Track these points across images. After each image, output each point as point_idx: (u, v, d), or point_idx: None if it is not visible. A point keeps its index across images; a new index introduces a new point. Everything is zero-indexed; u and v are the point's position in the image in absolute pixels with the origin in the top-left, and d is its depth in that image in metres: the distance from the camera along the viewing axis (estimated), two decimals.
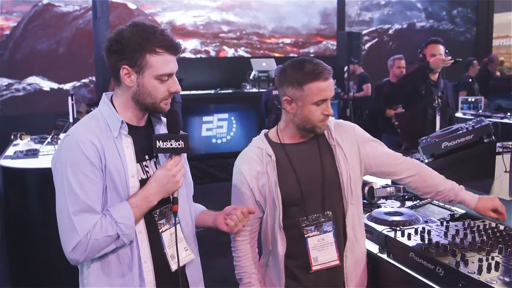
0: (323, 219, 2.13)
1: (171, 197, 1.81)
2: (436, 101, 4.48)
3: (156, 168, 1.85)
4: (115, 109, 1.79)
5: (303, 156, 2.14)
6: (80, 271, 1.82)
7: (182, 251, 1.86)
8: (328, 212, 2.13)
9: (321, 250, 2.11)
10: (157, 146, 1.77)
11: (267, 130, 2.25)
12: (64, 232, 1.68)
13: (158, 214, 1.83)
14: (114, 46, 1.73)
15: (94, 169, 1.69)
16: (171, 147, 1.78)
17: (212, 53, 9.84)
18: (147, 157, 1.85)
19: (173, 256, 1.85)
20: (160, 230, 1.84)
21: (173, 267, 1.84)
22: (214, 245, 3.32)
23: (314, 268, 2.11)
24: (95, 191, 1.70)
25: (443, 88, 4.55)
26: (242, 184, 2.14)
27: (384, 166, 2.25)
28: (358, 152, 2.18)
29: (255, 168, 2.12)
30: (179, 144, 1.78)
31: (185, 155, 1.87)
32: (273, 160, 2.11)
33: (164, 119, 1.94)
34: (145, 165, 1.83)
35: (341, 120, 2.28)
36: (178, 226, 1.86)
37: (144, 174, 1.81)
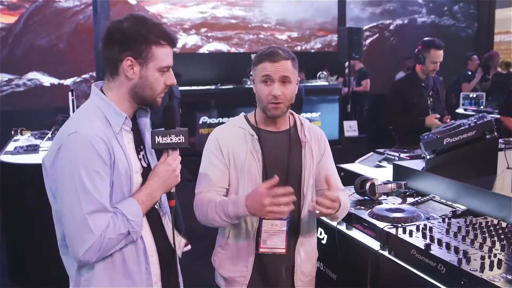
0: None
1: (170, 192, 1.80)
2: (429, 103, 4.47)
3: (146, 161, 1.84)
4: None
5: (274, 144, 2.20)
6: (76, 273, 1.72)
7: (178, 242, 1.87)
8: None
9: (272, 234, 2.15)
10: (156, 142, 1.75)
11: (245, 114, 2.31)
12: (76, 233, 1.59)
13: (158, 206, 1.85)
14: (117, 37, 1.68)
15: (104, 166, 1.63)
16: (171, 142, 1.76)
17: (213, 48, 9.82)
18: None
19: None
20: (163, 222, 1.86)
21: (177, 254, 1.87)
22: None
23: (261, 250, 2.16)
24: (106, 188, 1.64)
25: (433, 85, 4.52)
26: (216, 152, 2.16)
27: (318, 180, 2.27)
28: (319, 159, 2.26)
29: (232, 142, 2.16)
30: (179, 139, 1.76)
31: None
32: (256, 138, 2.16)
33: (149, 111, 1.90)
34: (139, 158, 1.81)
35: (314, 125, 2.34)
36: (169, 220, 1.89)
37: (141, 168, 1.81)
